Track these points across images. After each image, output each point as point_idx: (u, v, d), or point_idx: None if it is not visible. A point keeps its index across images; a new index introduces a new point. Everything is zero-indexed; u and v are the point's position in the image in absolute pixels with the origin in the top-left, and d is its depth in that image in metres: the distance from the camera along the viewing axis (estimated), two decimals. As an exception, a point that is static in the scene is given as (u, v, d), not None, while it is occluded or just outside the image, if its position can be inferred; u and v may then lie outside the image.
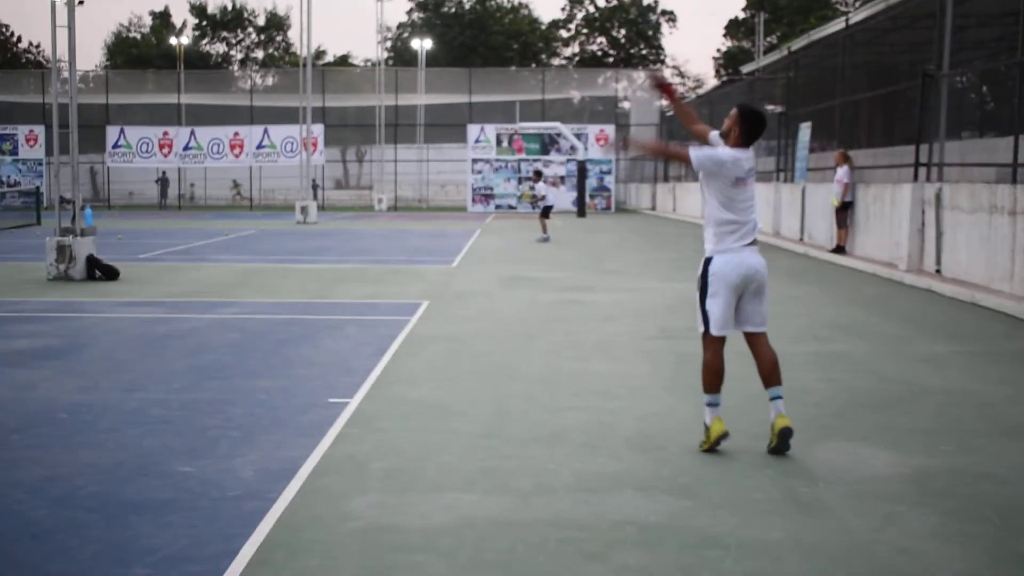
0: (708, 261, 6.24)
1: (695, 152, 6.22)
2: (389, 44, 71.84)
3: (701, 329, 6.32)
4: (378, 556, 4.56)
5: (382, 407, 7.43)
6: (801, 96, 27.08)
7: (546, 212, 26.41)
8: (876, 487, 5.60)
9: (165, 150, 50.31)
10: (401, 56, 70.03)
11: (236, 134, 50.03)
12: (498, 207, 47.32)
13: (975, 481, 5.73)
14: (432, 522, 4.99)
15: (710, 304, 6.24)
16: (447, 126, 52.87)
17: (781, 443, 6.12)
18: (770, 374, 6.33)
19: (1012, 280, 12.94)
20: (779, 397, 6.25)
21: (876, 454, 6.26)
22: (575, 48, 77.01)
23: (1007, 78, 20.82)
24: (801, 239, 23.53)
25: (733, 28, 72.70)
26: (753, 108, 6.45)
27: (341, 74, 59.97)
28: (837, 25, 23.33)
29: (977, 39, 21.68)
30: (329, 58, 73.78)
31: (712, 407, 6.29)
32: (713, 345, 6.30)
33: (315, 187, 47.29)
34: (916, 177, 17.17)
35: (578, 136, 45.72)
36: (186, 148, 50.22)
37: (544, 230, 25.77)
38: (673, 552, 4.63)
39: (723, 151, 6.26)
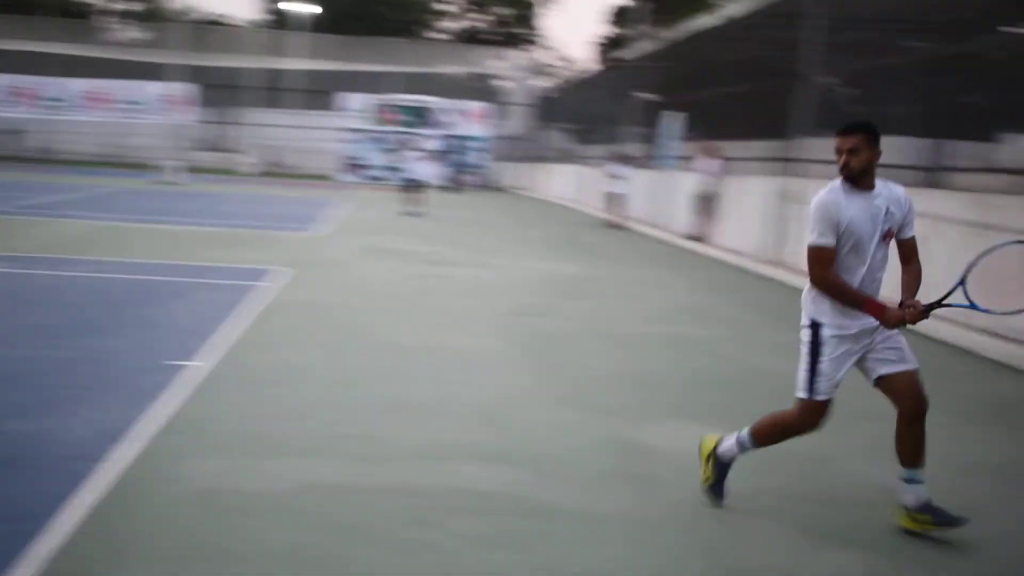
0: None
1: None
2: (269, 5, 70.33)
3: None
4: (215, 519, 4.55)
5: (230, 371, 7.37)
6: (675, 86, 27.56)
7: (415, 186, 26.24)
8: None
9: (29, 100, 48.39)
10: (281, 19, 68.67)
11: (103, 88, 48.43)
12: (371, 178, 47.00)
13: (798, 462, 6.00)
14: (273, 486, 5.00)
15: None
16: (323, 93, 52.09)
17: None
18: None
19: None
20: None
21: (712, 432, 6.47)
22: (456, 24, 76.74)
23: (873, 81, 21.64)
24: (663, 225, 24.02)
25: (615, 14, 73.48)
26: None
27: (218, 33, 58.52)
28: (713, 20, 23.81)
29: (848, 41, 22.41)
30: (206, 15, 71.84)
31: None
32: None
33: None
34: (775, 171, 17.74)
35: (454, 112, 45.71)
36: (51, 99, 48.37)
37: (412, 204, 25.65)
38: (506, 520, 4.75)
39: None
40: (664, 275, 15.41)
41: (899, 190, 4.95)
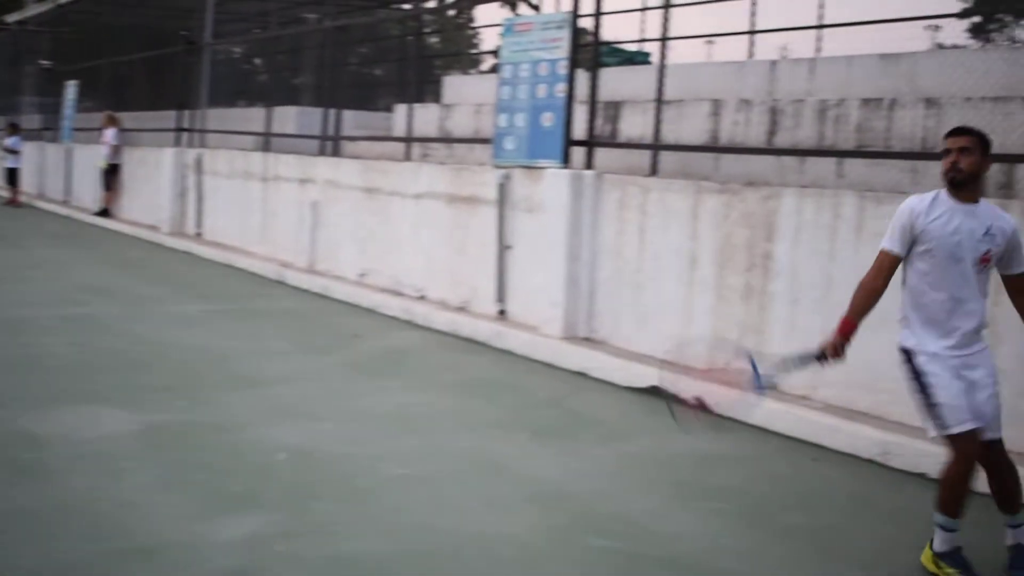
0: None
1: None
2: None
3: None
4: None
5: None
6: (71, 53, 26.06)
7: None
8: (106, 446, 5.64)
9: None
10: None
11: None
12: None
13: (203, 431, 6.03)
14: None
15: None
16: None
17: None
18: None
19: (262, 242, 13.80)
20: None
21: (111, 414, 6.29)
22: None
23: (274, 52, 22.08)
24: (66, 201, 22.75)
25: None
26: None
27: None
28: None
29: (247, 11, 22.68)
30: None
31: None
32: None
33: None
34: (179, 142, 17.50)
35: None
36: None
37: None
38: None
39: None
40: (68, 254, 14.61)
41: (1007, 216, 4.36)
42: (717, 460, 5.87)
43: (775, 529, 4.80)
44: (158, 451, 5.62)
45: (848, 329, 4.36)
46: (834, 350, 4.36)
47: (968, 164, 4.24)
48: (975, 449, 4.20)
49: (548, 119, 9.25)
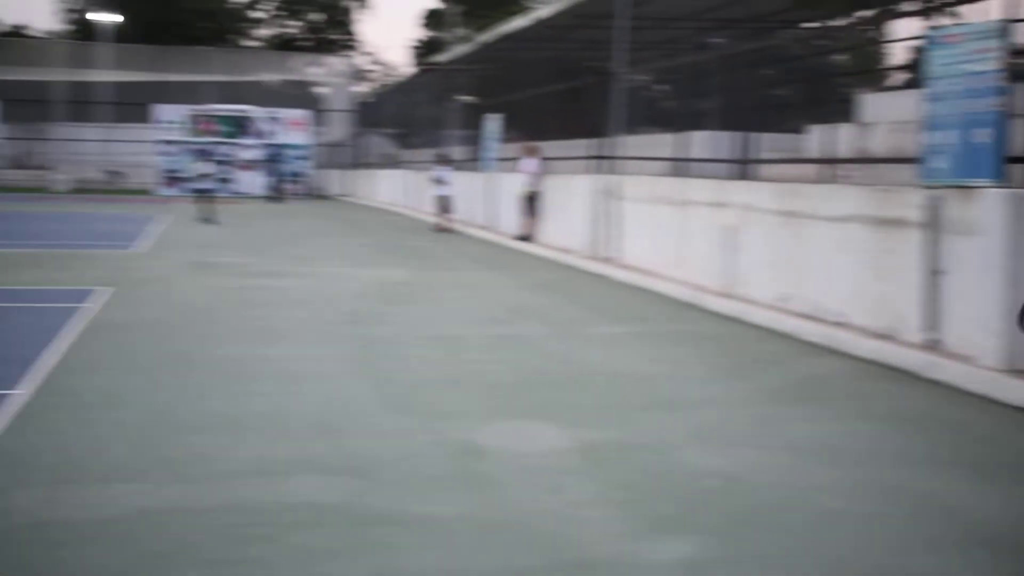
0: None
1: None
2: (70, 16, 67.54)
3: None
4: (45, 552, 4.40)
5: (51, 398, 7.09)
6: (493, 88, 27.84)
7: (207, 195, 27.60)
8: (543, 461, 5.94)
9: None
10: (85, 30, 66.04)
11: None
12: (192, 190, 45.65)
13: (631, 450, 6.20)
14: (103, 513, 4.86)
15: None
16: (134, 105, 50.30)
17: None
18: None
19: (675, 265, 13.97)
20: None
21: (546, 429, 6.62)
22: (269, 30, 75.46)
23: (682, 78, 22.44)
24: (490, 227, 24.24)
25: (429, 17, 73.59)
26: None
27: (18, 45, 55.85)
28: (524, 21, 24.16)
29: (654, 40, 23.12)
30: (2, 26, 68.49)
31: None
32: None
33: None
34: (595, 169, 18.14)
35: (273, 120, 44.93)
36: None
37: (207, 212, 26.53)
38: (344, 530, 4.75)
39: None
40: (493, 276, 15.57)
41: None
42: None
43: None
44: (592, 468, 5.83)
45: None
46: None
47: None
48: None
49: (981, 135, 8.67)
